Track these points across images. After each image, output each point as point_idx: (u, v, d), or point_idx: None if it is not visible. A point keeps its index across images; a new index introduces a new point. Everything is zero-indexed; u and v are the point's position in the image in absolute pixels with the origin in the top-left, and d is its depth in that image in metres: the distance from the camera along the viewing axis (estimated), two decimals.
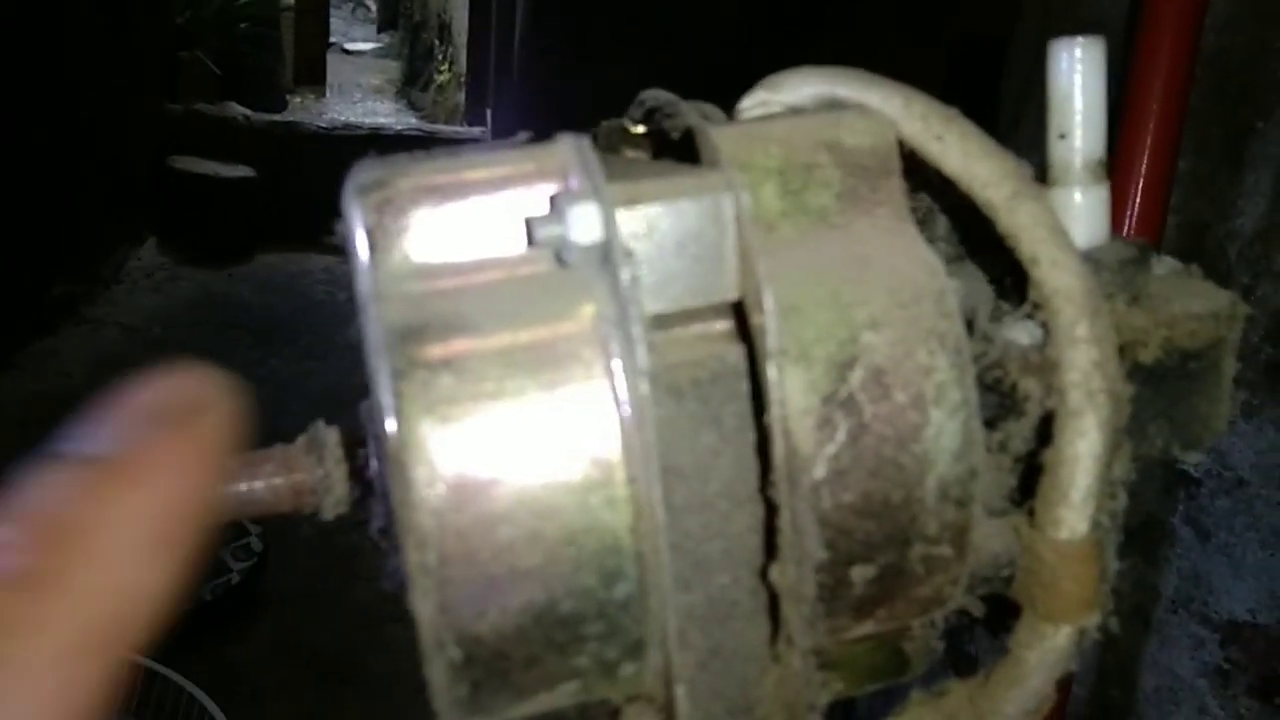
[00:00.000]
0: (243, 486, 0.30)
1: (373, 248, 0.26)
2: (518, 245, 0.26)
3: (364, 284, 0.25)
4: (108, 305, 3.62)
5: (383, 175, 0.26)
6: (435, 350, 0.24)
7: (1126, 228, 0.90)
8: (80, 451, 0.20)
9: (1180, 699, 1.01)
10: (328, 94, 7.27)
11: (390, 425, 0.24)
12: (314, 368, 3.18)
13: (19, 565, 0.18)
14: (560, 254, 0.25)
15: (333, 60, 7.83)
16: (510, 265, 0.26)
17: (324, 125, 4.98)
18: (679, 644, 0.26)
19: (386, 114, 7.01)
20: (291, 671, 1.85)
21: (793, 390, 0.25)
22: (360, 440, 0.31)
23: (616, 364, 0.24)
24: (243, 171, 4.33)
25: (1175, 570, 1.02)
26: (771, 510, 0.26)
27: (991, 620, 0.34)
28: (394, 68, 8.26)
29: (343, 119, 5.70)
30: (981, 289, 0.32)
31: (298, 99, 6.86)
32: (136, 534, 0.20)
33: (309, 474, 0.30)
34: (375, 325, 0.25)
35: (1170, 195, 0.91)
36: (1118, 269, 0.30)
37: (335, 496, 0.30)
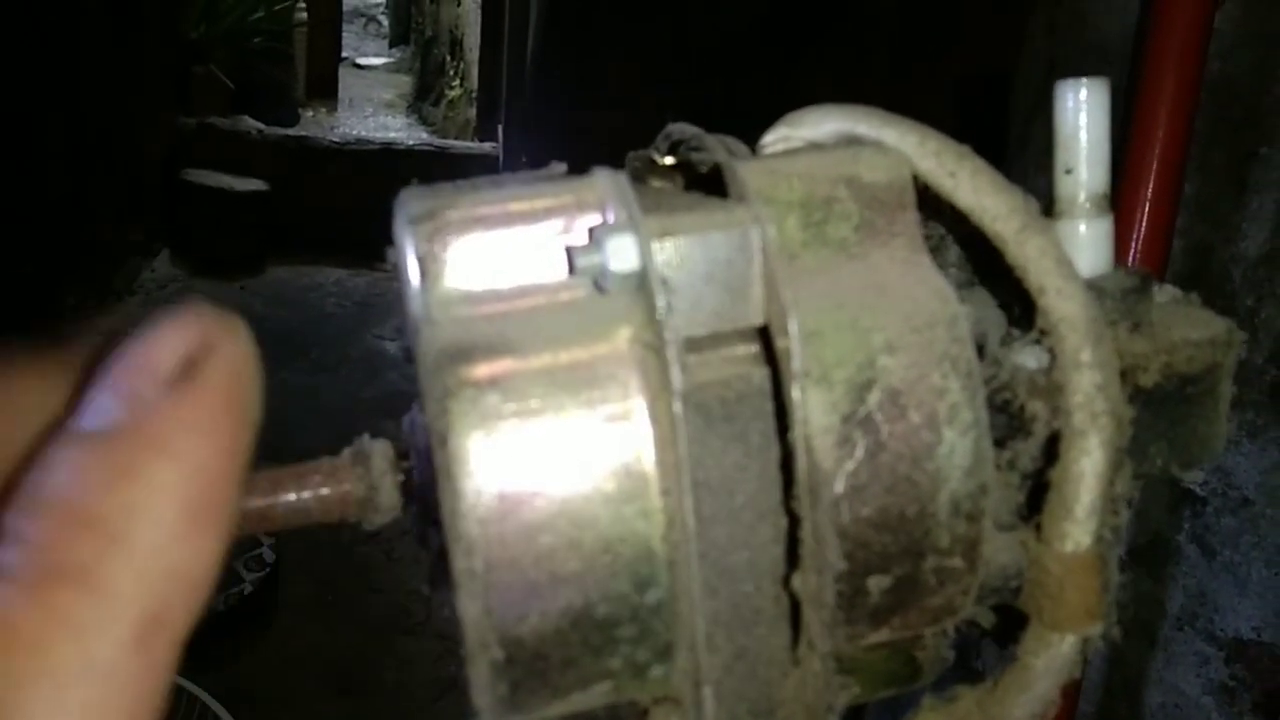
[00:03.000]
0: (291, 497, 0.32)
1: (424, 274, 0.27)
2: (558, 273, 0.28)
3: (415, 308, 0.27)
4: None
5: (433, 206, 0.28)
6: (482, 370, 0.26)
7: (1133, 251, 0.92)
8: (92, 427, 0.18)
9: (1186, 716, 1.02)
10: (339, 108, 7.33)
11: (440, 440, 0.26)
12: (325, 380, 3.20)
13: (52, 561, 0.17)
14: (598, 281, 0.27)
15: (344, 75, 7.89)
16: (551, 291, 0.28)
17: (336, 140, 5.03)
18: (706, 647, 0.27)
19: (398, 129, 7.06)
20: (303, 681, 1.87)
21: (814, 410, 0.27)
22: (403, 453, 0.33)
23: (651, 385, 0.26)
24: (255, 185, 4.36)
25: (1181, 588, 1.03)
26: (794, 523, 0.28)
27: (999, 631, 0.35)
28: (405, 83, 8.32)
29: (355, 133, 5.75)
30: (992, 314, 0.34)
31: (310, 113, 6.92)
32: (168, 510, 0.18)
33: (355, 485, 0.32)
34: (427, 346, 0.27)
35: (1175, 219, 0.92)
36: (1120, 297, 0.32)
37: (382, 507, 0.31)
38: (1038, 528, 0.31)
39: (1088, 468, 0.29)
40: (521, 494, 0.26)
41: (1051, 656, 0.30)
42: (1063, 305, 0.29)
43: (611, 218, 0.27)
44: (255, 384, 0.20)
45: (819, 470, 0.27)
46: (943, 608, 0.31)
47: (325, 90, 7.26)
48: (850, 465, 0.28)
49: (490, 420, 0.26)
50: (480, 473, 0.26)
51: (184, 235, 4.30)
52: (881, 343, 0.28)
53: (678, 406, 0.25)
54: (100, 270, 3.71)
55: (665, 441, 0.26)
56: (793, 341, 0.26)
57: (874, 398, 0.28)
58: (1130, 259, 0.93)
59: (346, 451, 0.33)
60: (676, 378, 0.25)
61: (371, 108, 7.63)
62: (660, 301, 0.25)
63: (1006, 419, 0.30)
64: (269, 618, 2.00)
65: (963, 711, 0.33)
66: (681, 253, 0.27)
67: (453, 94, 6.89)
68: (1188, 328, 0.32)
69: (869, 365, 0.28)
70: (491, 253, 0.28)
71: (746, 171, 0.29)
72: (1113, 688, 1.10)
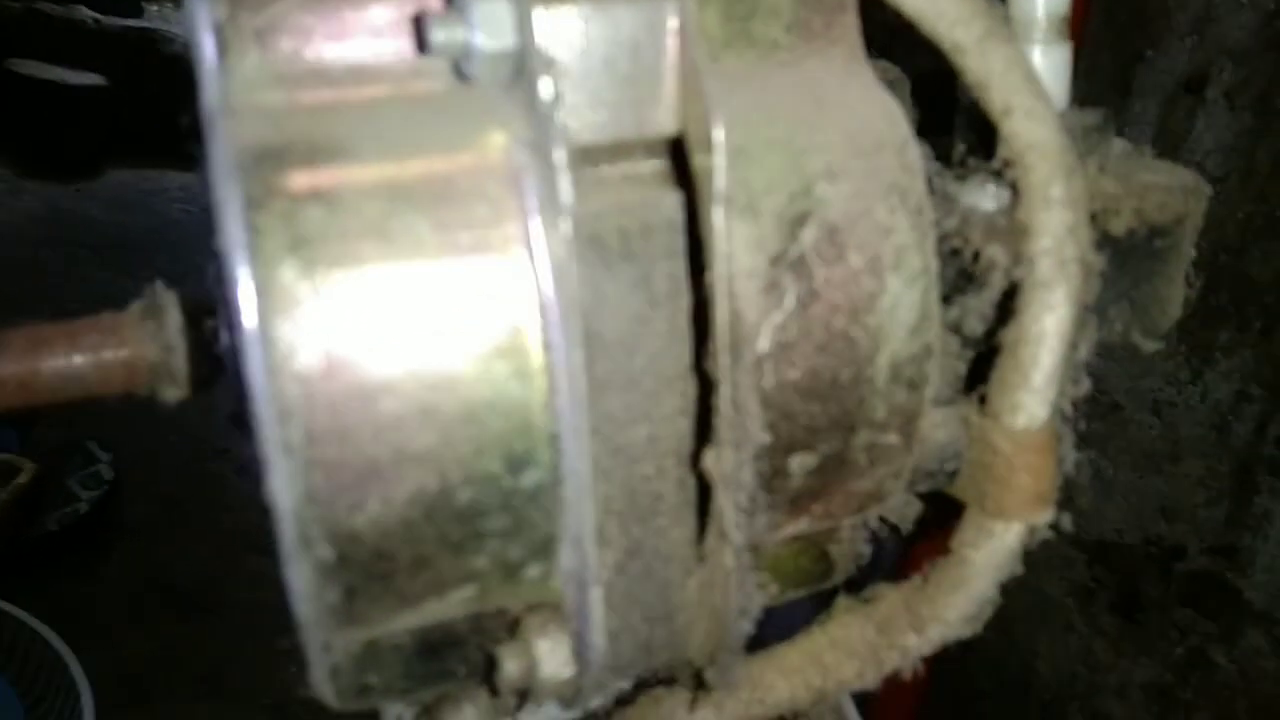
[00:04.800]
0: (59, 361, 0.25)
1: (223, 48, 0.20)
2: (407, 52, 0.21)
3: (210, 93, 0.20)
4: None
5: None
6: (301, 177, 0.19)
7: None
8: None
9: (1049, 617, 1.05)
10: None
11: (242, 269, 0.19)
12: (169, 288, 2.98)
13: None
14: (461, 65, 0.20)
15: None
16: (398, 77, 0.21)
17: (183, 33, 4.63)
18: (596, 541, 0.22)
19: None
20: (147, 604, 1.75)
21: (738, 247, 0.21)
22: (208, 308, 0.26)
23: (532, 203, 0.20)
24: (92, 79, 3.99)
25: None
26: (705, 389, 0.23)
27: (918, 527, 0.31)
28: None
29: None
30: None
31: (155, 6, 6.37)
32: None
33: (145, 347, 0.25)
34: (223, 145, 0.19)
35: None
36: (1082, 135, 0.27)
37: (177, 374, 0.24)
38: (982, 400, 0.26)
39: (1050, 325, 0.24)
40: (356, 345, 0.19)
41: (993, 549, 0.26)
42: (1032, 129, 0.24)
43: None
44: None
45: (742, 322, 0.21)
46: (870, 493, 0.26)
47: None
48: (778, 317, 0.22)
49: (312, 244, 0.19)
50: (298, 315, 0.19)
51: (11, 132, 3.91)
52: (820, 167, 0.22)
53: (568, 232, 0.19)
54: None
55: (550, 281, 0.20)
56: (717, 156, 0.20)
57: (809, 235, 0.22)
58: None
59: (135, 305, 0.25)
60: (566, 193, 0.19)
61: None
62: (544, 90, 0.19)
63: (955, 270, 0.26)
64: (109, 539, 1.87)
65: (886, 613, 0.28)
66: (574, 28, 0.20)
67: None
68: (1156, 173, 0.28)
69: (804, 194, 0.22)
70: (317, 23, 0.21)
71: None
72: None
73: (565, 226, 0.19)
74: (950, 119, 0.29)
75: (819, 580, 0.31)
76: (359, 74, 0.21)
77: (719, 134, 0.20)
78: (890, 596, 0.29)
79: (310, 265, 0.19)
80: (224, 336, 0.25)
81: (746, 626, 0.24)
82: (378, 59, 0.21)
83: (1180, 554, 0.89)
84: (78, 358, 0.25)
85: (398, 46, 0.21)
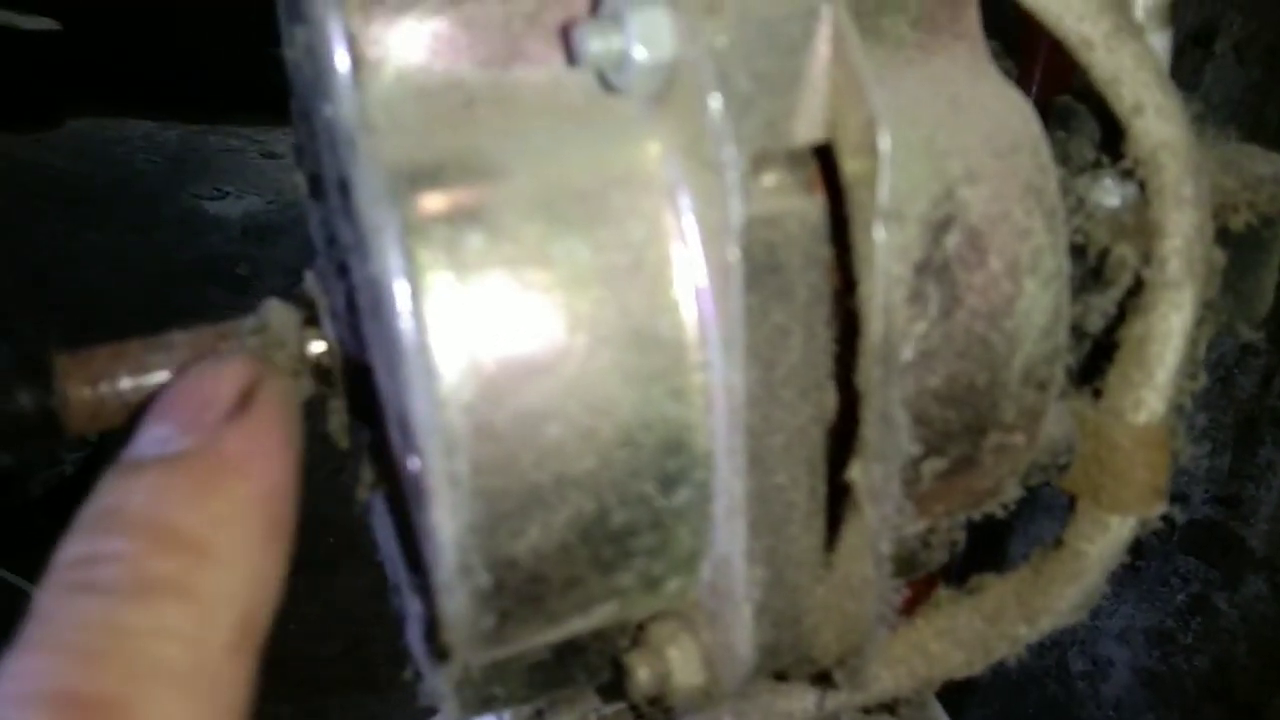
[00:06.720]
0: (154, 377, 0.24)
1: (357, 61, 0.19)
2: (551, 63, 0.20)
3: (345, 108, 0.19)
4: None
5: None
6: (458, 198, 0.19)
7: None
8: (157, 453, 0.20)
9: None
10: None
11: (403, 299, 0.18)
12: (135, 242, 2.90)
13: (150, 575, 0.18)
14: (609, 77, 0.20)
15: None
16: (544, 90, 0.20)
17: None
18: (748, 556, 0.22)
19: None
20: None
21: (885, 256, 0.21)
22: (310, 319, 0.25)
23: (689, 221, 0.20)
24: (45, 24, 3.86)
25: None
26: (845, 398, 0.22)
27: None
28: None
29: None
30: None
31: None
32: (251, 522, 0.19)
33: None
34: (370, 165, 0.19)
35: None
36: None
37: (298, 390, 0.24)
38: (1095, 394, 0.26)
39: (1177, 324, 0.24)
40: (521, 372, 0.19)
41: (1108, 542, 0.26)
42: (1164, 128, 0.23)
43: None
44: (298, 414, 0.21)
45: (894, 332, 0.21)
46: (988, 490, 0.26)
47: None
48: (921, 326, 0.22)
49: (472, 270, 0.19)
50: (463, 345, 0.19)
51: None
52: (960, 170, 0.22)
53: (735, 253, 0.19)
54: None
55: (709, 299, 0.20)
56: (882, 165, 0.19)
57: (952, 240, 0.22)
58: None
59: (249, 319, 0.25)
60: (738, 215, 0.19)
61: None
62: (714, 103, 0.18)
63: (1080, 268, 0.25)
64: None
65: (994, 604, 0.29)
66: (733, 40, 0.19)
67: None
68: (1258, 163, 0.28)
69: (946, 198, 0.22)
70: (456, 31, 0.20)
71: None
72: (976, 540, 1.13)
73: (734, 249, 0.19)
74: None
75: (909, 572, 0.31)
76: (497, 86, 0.20)
77: (885, 142, 0.20)
78: (997, 588, 0.29)
79: (475, 294, 0.18)
80: (334, 350, 0.24)
81: (884, 632, 0.24)
82: (521, 72, 0.20)
83: (1184, 503, 0.91)
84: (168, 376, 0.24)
85: (541, 56, 0.20)
